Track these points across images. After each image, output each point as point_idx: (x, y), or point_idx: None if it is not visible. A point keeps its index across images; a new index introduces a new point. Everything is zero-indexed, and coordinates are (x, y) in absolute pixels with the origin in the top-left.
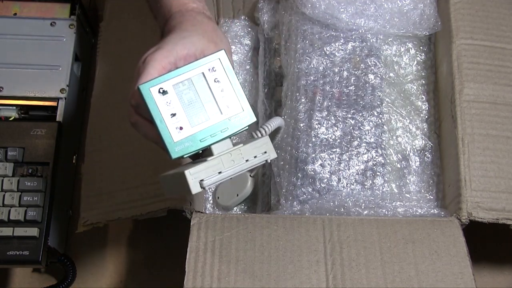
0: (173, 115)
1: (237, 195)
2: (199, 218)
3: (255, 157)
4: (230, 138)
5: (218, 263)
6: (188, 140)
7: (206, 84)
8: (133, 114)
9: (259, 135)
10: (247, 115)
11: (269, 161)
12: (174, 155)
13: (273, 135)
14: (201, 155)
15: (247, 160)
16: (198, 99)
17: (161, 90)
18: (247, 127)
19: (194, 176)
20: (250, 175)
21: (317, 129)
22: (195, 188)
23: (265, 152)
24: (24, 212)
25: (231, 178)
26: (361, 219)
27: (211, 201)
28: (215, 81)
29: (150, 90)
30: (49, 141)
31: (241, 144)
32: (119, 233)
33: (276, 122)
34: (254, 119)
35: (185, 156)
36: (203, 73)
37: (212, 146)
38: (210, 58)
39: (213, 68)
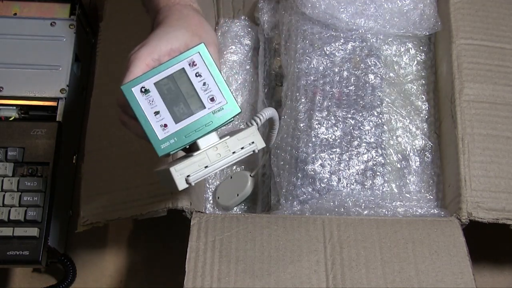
0: (157, 113)
1: (237, 195)
2: (199, 218)
3: (242, 148)
4: (216, 131)
5: (218, 263)
6: (173, 137)
7: (188, 79)
8: (121, 113)
9: (253, 123)
10: (230, 107)
11: (256, 151)
12: (161, 152)
13: (270, 129)
14: (190, 149)
15: (234, 152)
16: (180, 95)
17: (143, 89)
18: (232, 119)
19: (180, 172)
20: (250, 175)
21: (317, 129)
22: (181, 185)
23: (253, 143)
24: (24, 212)
25: (231, 178)
26: (361, 219)
27: (211, 201)
28: (196, 76)
29: (132, 90)
30: (49, 141)
31: (228, 136)
32: (119, 233)
33: (268, 112)
34: (238, 111)
35: (172, 152)
36: (183, 68)
37: (198, 141)
38: (190, 52)
39: (193, 62)
